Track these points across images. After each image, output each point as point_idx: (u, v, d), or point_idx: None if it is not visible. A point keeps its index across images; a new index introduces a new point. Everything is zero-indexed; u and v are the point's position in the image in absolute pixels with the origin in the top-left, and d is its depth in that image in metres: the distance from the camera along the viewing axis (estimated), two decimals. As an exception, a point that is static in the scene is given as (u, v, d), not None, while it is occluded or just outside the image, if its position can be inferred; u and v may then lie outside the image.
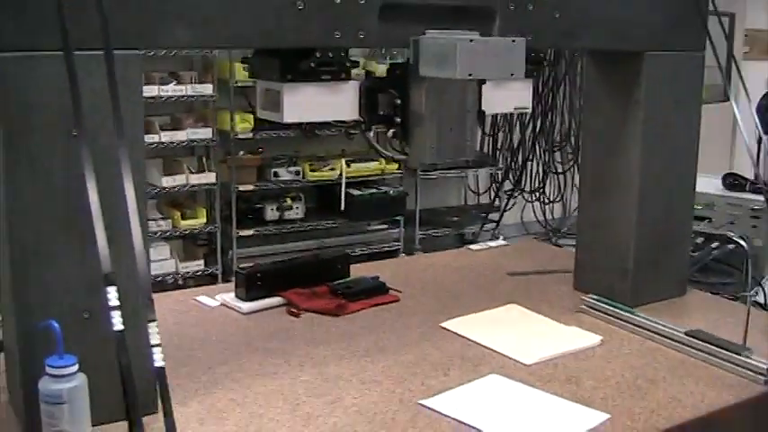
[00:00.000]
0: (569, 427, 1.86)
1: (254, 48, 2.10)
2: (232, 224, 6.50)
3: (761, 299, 3.30)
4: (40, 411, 1.66)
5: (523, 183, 8.39)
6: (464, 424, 1.86)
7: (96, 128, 1.64)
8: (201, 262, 6.49)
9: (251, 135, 6.41)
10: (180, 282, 6.22)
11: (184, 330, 2.42)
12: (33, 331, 1.68)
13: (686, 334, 2.30)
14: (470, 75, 1.91)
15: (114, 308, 1.42)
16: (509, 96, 2.30)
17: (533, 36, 2.15)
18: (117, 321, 1.41)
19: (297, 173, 6.67)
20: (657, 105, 2.57)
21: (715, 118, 3.76)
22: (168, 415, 1.41)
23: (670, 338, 2.33)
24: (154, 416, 1.77)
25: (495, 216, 8.16)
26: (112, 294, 1.43)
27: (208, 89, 6.18)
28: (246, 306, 2.58)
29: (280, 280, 2.69)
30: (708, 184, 4.25)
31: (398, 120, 2.12)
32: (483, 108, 2.22)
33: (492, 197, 8.29)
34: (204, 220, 6.40)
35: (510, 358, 2.23)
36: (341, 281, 2.77)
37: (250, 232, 6.59)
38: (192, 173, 6.29)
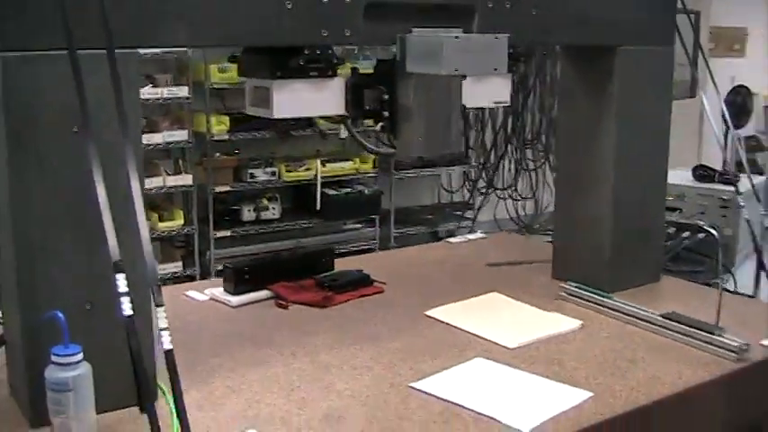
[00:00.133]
0: (554, 404, 1.94)
1: (247, 45, 2.17)
2: (209, 225, 6.54)
3: (731, 286, 3.41)
4: (46, 400, 1.72)
5: (496, 180, 8.49)
6: (453, 403, 1.94)
7: (99, 125, 1.70)
8: (180, 263, 6.52)
9: (227, 137, 6.46)
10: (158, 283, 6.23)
11: (176, 324, 2.43)
12: (38, 322, 1.74)
13: (662, 316, 2.40)
14: (456, 70, 2.01)
15: (123, 294, 1.48)
16: (489, 91, 2.38)
17: (512, 33, 2.23)
18: (126, 307, 1.47)
19: (273, 174, 6.73)
20: (630, 99, 2.67)
21: (683, 113, 3.87)
22: (178, 396, 1.47)
23: (647, 321, 2.42)
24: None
25: (468, 214, 8.25)
26: (121, 281, 1.49)
27: (183, 91, 6.22)
28: (235, 299, 2.65)
29: (267, 274, 2.75)
30: (678, 176, 4.36)
31: (386, 114, 2.19)
32: (464, 102, 2.30)
33: (468, 197, 8.37)
34: (181, 221, 6.44)
35: (494, 343, 2.32)
36: (326, 274, 2.84)
37: (227, 233, 6.65)
38: (169, 175, 6.33)
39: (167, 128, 6.26)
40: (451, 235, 7.78)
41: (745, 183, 3.26)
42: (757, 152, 10.43)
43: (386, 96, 2.19)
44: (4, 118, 1.71)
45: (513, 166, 8.55)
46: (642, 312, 2.45)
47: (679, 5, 2.73)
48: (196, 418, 1.83)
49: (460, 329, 2.42)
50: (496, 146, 8.39)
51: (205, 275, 6.43)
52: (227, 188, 6.59)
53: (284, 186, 6.91)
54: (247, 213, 6.71)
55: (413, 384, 2.05)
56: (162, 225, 6.37)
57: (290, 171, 6.80)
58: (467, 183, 8.46)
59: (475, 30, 2.23)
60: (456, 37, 2.02)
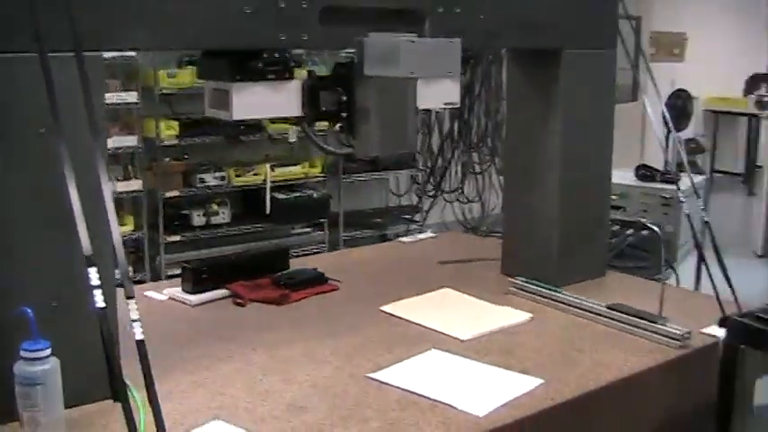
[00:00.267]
0: (508, 391, 2.03)
1: (206, 49, 2.23)
2: (159, 230, 6.55)
3: (673, 281, 3.52)
4: (13, 395, 1.76)
5: (443, 184, 8.57)
6: (410, 392, 2.02)
7: (65, 125, 1.75)
8: (130, 269, 6.50)
9: (176, 142, 6.48)
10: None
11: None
12: (6, 319, 1.78)
13: (608, 307, 2.50)
14: (412, 73, 2.09)
15: (96, 287, 1.53)
16: (439, 93, 2.46)
17: (461, 36, 2.32)
18: (99, 299, 1.52)
19: (222, 178, 6.75)
20: (575, 100, 2.77)
21: (625, 115, 4.00)
22: (150, 385, 1.53)
23: (594, 312, 2.53)
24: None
25: (416, 217, 8.33)
26: (93, 274, 1.54)
27: (132, 97, 6.22)
28: (194, 298, 2.71)
29: (224, 273, 2.81)
30: (622, 176, 4.49)
31: (344, 115, 2.27)
32: (416, 104, 2.38)
33: (417, 201, 8.43)
34: (131, 227, 6.44)
35: (447, 335, 2.40)
36: (282, 273, 2.91)
37: (177, 238, 6.65)
38: (119, 180, 6.33)
39: (116, 133, 6.25)
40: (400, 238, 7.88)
41: (685, 181, 3.38)
42: (697, 154, 10.68)
43: (344, 98, 2.27)
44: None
45: (459, 170, 8.64)
46: (589, 304, 2.56)
47: (621, 11, 2.85)
48: (162, 409, 1.88)
49: (415, 323, 2.50)
50: (443, 150, 8.48)
51: (156, 280, 6.43)
52: (177, 193, 6.60)
53: (234, 191, 6.93)
54: (197, 218, 6.73)
55: (371, 375, 2.12)
56: (112, 230, 6.34)
57: (239, 176, 6.83)
58: (414, 186, 8.54)
59: (426, 34, 2.31)
60: (412, 41, 2.10)
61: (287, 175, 7.07)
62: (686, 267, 3.83)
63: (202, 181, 6.66)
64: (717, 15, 11.21)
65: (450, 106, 2.55)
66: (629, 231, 3.60)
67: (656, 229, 3.53)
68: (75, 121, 1.73)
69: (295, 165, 7.11)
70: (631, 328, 2.42)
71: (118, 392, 1.50)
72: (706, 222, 2.80)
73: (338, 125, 2.29)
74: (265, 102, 2.23)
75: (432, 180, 8.50)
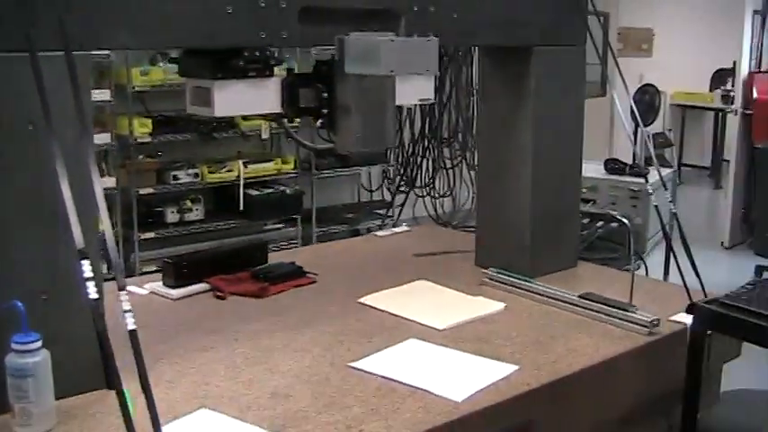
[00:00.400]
0: (484, 377, 2.10)
1: (189, 48, 2.27)
2: (133, 228, 6.57)
3: (642, 271, 3.62)
4: (5, 386, 1.82)
5: (414, 179, 8.65)
6: (390, 379, 2.09)
7: (55, 122, 1.80)
8: (104, 266, 6.51)
9: (149, 139, 6.49)
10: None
11: (119, 317, 2.57)
12: (-3, 312, 1.83)
13: (580, 297, 2.58)
14: (392, 71, 2.16)
15: (88, 279, 1.59)
16: (414, 89, 2.52)
17: (435, 35, 2.38)
18: (92, 290, 1.58)
19: (195, 175, 6.78)
20: (545, 95, 2.85)
21: (594, 109, 4.08)
22: (142, 374, 1.59)
23: (566, 302, 2.61)
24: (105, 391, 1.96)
25: (388, 212, 8.40)
26: (87, 267, 1.59)
27: (105, 95, 6.22)
28: (176, 292, 2.76)
29: (204, 267, 2.87)
30: (592, 168, 4.58)
31: (325, 111, 2.33)
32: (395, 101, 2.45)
33: (392, 197, 8.49)
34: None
35: (424, 325, 2.47)
36: (261, 267, 2.96)
37: (151, 235, 6.66)
38: (92, 178, 6.33)
39: (90, 131, 6.25)
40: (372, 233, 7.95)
41: (653, 174, 3.47)
42: (665, 148, 10.80)
43: (325, 95, 2.33)
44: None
45: (430, 165, 8.73)
46: (561, 294, 2.63)
47: (589, 8, 2.93)
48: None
49: (392, 314, 2.57)
50: (414, 145, 8.56)
51: (130, 277, 6.43)
52: (151, 190, 6.61)
53: (207, 188, 6.96)
54: (171, 215, 6.75)
55: (351, 364, 2.19)
56: (85, 228, 6.36)
57: (212, 172, 6.85)
58: (386, 181, 8.61)
59: (402, 32, 2.37)
60: (392, 40, 2.17)
61: (260, 171, 7.10)
62: (655, 258, 3.94)
63: (176, 178, 6.68)
64: (684, 11, 11.36)
65: (425, 102, 2.61)
66: (600, 224, 3.70)
67: (625, 221, 3.63)
68: (64, 118, 1.78)
69: (268, 161, 7.15)
70: (602, 316, 2.50)
71: (111, 380, 1.55)
72: (674, 214, 2.88)
73: (319, 121, 2.34)
74: (246, 99, 2.28)
75: (404, 175, 8.60)
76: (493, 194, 3.05)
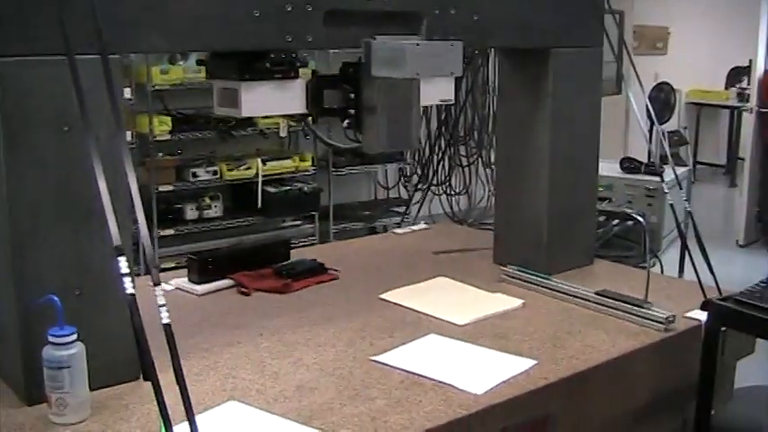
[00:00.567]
0: (504, 371, 2.16)
1: (217, 51, 2.34)
2: (153, 224, 6.64)
3: (657, 269, 3.66)
4: (41, 378, 1.89)
5: (430, 176, 8.71)
6: (413, 373, 2.15)
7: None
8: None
9: (169, 137, 6.58)
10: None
11: (146, 312, 2.63)
12: (34, 306, 1.90)
13: (596, 293, 2.63)
14: (418, 74, 2.23)
15: (125, 275, 1.66)
16: (436, 90, 2.59)
17: (456, 37, 2.44)
18: (129, 286, 1.64)
19: (214, 173, 6.86)
20: (563, 96, 2.90)
21: (610, 108, 4.13)
22: (177, 366, 1.65)
23: (583, 298, 2.66)
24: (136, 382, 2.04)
25: (404, 209, 8.47)
26: (123, 263, 1.66)
27: (125, 93, 6.29)
28: (200, 288, 2.82)
29: (229, 264, 2.93)
30: (607, 167, 4.62)
31: (352, 112, 2.40)
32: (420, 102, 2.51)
33: (410, 194, 8.54)
34: (125, 221, 6.52)
35: (444, 321, 2.53)
36: (283, 263, 3.03)
37: (171, 232, 6.75)
38: (113, 175, 6.40)
39: (110, 129, 6.33)
40: (388, 230, 8.01)
41: (668, 173, 3.51)
42: (680, 146, 10.83)
43: (351, 95, 2.39)
44: (1, 117, 1.86)
45: (446, 163, 8.79)
46: (578, 290, 2.69)
47: (604, 6, 2.98)
48: (178, 391, 2.00)
49: (413, 310, 2.63)
50: (431, 143, 8.62)
51: (149, 274, 6.50)
52: (170, 187, 6.70)
53: (226, 185, 7.04)
54: (190, 212, 6.84)
55: (374, 358, 2.25)
56: (106, 224, 6.43)
57: (231, 170, 6.94)
58: (402, 179, 8.67)
59: (423, 34, 2.43)
60: (417, 44, 2.23)
61: (278, 168, 7.18)
62: (670, 256, 3.98)
63: (195, 175, 6.76)
64: (699, 9, 11.38)
65: (446, 102, 2.67)
66: (615, 222, 3.74)
67: (640, 219, 3.66)
68: (98, 119, 1.84)
69: (286, 159, 7.23)
70: (618, 312, 2.55)
71: (146, 371, 1.61)
72: (689, 212, 2.93)
73: (346, 121, 2.41)
74: (272, 99, 2.35)
75: (421, 173, 8.66)
76: (511, 194, 3.10)
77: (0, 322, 2.08)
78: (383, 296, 2.75)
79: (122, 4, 1.95)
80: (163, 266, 6.51)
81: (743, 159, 8.63)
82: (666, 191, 2.94)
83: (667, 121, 10.57)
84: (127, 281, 1.66)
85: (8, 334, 2.03)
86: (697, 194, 9.13)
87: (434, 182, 8.72)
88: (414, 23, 2.45)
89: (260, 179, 7.01)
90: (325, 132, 2.52)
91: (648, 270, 2.69)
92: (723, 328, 2.37)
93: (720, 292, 2.55)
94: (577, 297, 2.68)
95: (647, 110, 3.21)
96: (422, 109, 8.17)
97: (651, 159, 5.98)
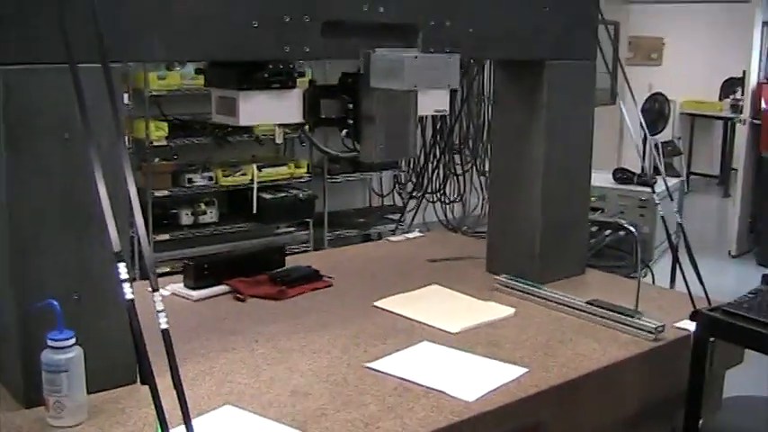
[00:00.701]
0: (496, 378, 2.19)
1: (216, 60, 2.37)
2: (148, 229, 6.66)
3: (649, 280, 3.70)
4: (39, 381, 1.92)
5: (425, 184, 8.73)
6: (405, 380, 2.18)
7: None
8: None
9: (165, 142, 6.59)
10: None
11: (143, 317, 2.66)
12: (32, 310, 1.92)
13: (588, 303, 2.67)
14: (415, 86, 2.26)
15: (125, 280, 1.68)
16: (432, 100, 2.62)
17: (451, 49, 2.48)
18: (128, 291, 1.67)
19: (210, 178, 6.88)
20: (557, 107, 2.94)
21: (604, 119, 4.17)
22: (174, 369, 1.68)
23: (574, 308, 2.70)
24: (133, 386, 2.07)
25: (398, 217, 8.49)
26: (123, 269, 1.69)
27: (123, 99, 6.33)
28: (196, 294, 2.85)
29: (224, 270, 2.96)
30: (600, 178, 4.65)
31: (351, 122, 2.43)
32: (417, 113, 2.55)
33: (405, 201, 8.56)
34: (121, 225, 6.53)
35: (438, 328, 2.56)
36: (278, 270, 3.06)
37: (166, 237, 6.76)
38: (109, 180, 6.42)
39: (107, 134, 6.34)
40: (383, 237, 8.03)
41: (660, 184, 3.55)
42: (674, 156, 10.88)
43: (350, 105, 2.43)
44: (4, 124, 1.90)
45: (441, 171, 8.81)
46: (569, 300, 2.72)
47: (599, 17, 3.01)
48: (174, 396, 2.03)
49: (406, 317, 2.66)
50: (426, 151, 8.64)
51: (145, 278, 6.51)
52: (166, 193, 6.72)
53: (221, 191, 7.06)
54: (186, 217, 6.86)
55: (368, 364, 2.28)
56: (101, 229, 6.45)
57: (226, 176, 6.95)
58: (397, 187, 8.70)
59: (419, 46, 2.47)
60: (415, 56, 2.27)
61: (273, 175, 7.20)
62: (661, 266, 4.02)
63: (191, 181, 6.78)
64: (694, 21, 11.44)
65: (441, 113, 2.71)
66: (607, 232, 3.77)
67: (632, 229, 3.69)
68: (99, 126, 1.87)
69: (281, 165, 7.25)
70: (609, 321, 2.59)
71: (144, 375, 1.64)
72: (679, 224, 2.97)
73: (344, 131, 2.45)
74: (269, 109, 2.38)
75: (415, 181, 8.69)
76: (505, 204, 3.14)
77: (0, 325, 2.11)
78: (377, 303, 2.78)
79: (124, 13, 1.99)
80: (158, 271, 6.54)
81: (736, 170, 8.68)
82: (657, 202, 2.98)
83: (661, 131, 10.62)
84: (126, 286, 1.69)
85: (8, 337, 2.06)
86: (690, 204, 9.18)
87: (429, 190, 8.74)
88: (410, 35, 2.49)
89: (255, 185, 7.03)
90: (321, 140, 2.55)
91: (639, 280, 2.73)
92: (712, 339, 2.40)
93: (710, 303, 2.59)
94: (569, 306, 2.71)
95: (640, 122, 3.25)
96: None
97: (644, 170, 6.03)
